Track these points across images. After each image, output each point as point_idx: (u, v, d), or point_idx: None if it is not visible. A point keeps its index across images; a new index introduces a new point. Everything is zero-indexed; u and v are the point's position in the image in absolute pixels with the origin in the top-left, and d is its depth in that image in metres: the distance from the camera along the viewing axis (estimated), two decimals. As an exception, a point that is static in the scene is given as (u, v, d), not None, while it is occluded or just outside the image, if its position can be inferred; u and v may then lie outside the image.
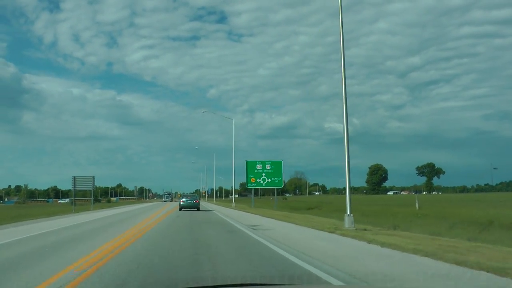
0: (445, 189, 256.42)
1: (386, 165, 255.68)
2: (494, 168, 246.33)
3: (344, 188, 20.31)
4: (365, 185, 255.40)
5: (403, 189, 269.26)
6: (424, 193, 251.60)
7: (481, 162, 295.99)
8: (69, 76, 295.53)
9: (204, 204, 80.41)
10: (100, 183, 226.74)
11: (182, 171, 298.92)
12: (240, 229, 20.61)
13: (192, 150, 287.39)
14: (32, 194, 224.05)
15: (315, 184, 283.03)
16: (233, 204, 55.89)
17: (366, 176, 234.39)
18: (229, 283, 7.10)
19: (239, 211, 44.00)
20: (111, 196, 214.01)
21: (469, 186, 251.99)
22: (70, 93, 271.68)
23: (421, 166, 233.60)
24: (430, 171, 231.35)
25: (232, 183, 78.78)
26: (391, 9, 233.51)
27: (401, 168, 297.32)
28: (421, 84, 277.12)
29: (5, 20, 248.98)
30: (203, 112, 59.68)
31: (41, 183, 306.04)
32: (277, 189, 56.21)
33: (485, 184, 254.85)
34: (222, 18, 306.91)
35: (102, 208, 64.11)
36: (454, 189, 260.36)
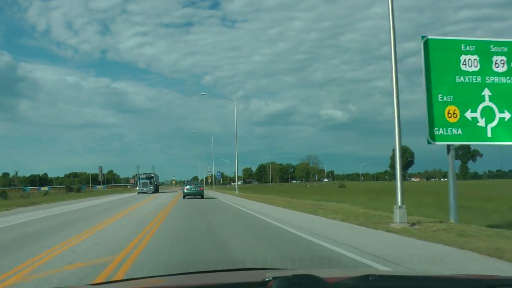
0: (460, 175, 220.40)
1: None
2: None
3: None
4: (385, 170, 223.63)
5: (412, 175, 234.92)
6: (435, 179, 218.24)
7: (487, 148, 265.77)
8: (63, 64, 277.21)
9: (221, 196, 42.86)
10: (95, 170, 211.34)
11: (179, 158, 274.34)
12: None
13: (188, 137, 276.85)
14: (20, 182, 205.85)
15: (321, 170, 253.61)
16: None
17: (389, 160, 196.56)
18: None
19: None
20: (103, 183, 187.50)
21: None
22: (64, 81, 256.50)
23: (454, 148, 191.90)
24: (464, 153, 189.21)
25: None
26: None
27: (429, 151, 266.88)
28: (419, 69, 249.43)
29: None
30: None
31: (39, 170, 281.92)
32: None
33: (509, 170, 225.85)
34: (215, 4, 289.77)
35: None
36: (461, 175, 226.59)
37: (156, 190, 65.40)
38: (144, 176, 63.56)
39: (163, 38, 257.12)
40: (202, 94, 53.95)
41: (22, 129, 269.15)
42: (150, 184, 62.30)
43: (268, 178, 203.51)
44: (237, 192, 48.52)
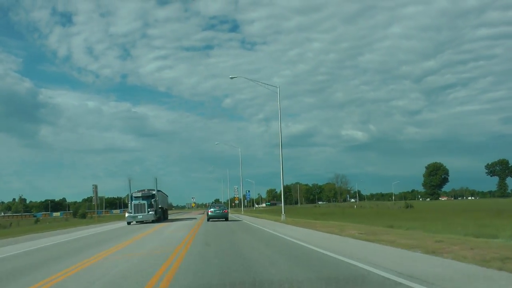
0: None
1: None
2: None
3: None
4: (411, 190, 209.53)
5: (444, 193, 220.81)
6: (464, 198, 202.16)
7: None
8: (84, 89, 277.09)
9: (263, 224, 29.11)
10: (116, 194, 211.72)
11: (199, 181, 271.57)
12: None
13: (208, 160, 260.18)
14: (31, 207, 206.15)
15: (348, 191, 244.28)
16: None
17: (422, 178, 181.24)
18: None
19: None
20: (119, 207, 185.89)
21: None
22: (85, 106, 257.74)
23: (492, 164, 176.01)
24: (503, 169, 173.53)
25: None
26: (405, 13, 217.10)
27: (467, 167, 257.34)
28: (438, 88, 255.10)
29: (20, 36, 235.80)
30: (232, 77, 39.98)
31: (59, 195, 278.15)
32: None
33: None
34: (235, 27, 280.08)
35: None
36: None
37: (161, 217, 43.14)
38: (139, 195, 39.05)
39: (183, 61, 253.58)
40: (231, 78, 42.45)
41: (43, 155, 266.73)
42: (149, 207, 38.27)
43: (293, 199, 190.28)
44: (283, 217, 34.09)
